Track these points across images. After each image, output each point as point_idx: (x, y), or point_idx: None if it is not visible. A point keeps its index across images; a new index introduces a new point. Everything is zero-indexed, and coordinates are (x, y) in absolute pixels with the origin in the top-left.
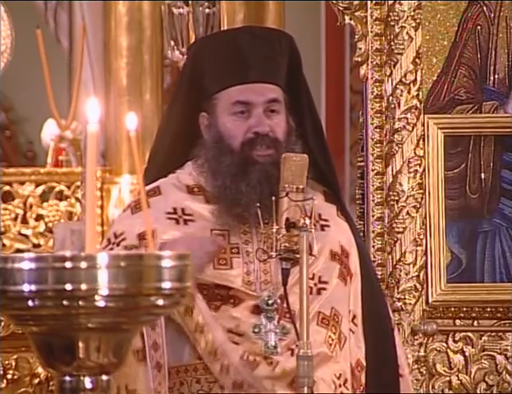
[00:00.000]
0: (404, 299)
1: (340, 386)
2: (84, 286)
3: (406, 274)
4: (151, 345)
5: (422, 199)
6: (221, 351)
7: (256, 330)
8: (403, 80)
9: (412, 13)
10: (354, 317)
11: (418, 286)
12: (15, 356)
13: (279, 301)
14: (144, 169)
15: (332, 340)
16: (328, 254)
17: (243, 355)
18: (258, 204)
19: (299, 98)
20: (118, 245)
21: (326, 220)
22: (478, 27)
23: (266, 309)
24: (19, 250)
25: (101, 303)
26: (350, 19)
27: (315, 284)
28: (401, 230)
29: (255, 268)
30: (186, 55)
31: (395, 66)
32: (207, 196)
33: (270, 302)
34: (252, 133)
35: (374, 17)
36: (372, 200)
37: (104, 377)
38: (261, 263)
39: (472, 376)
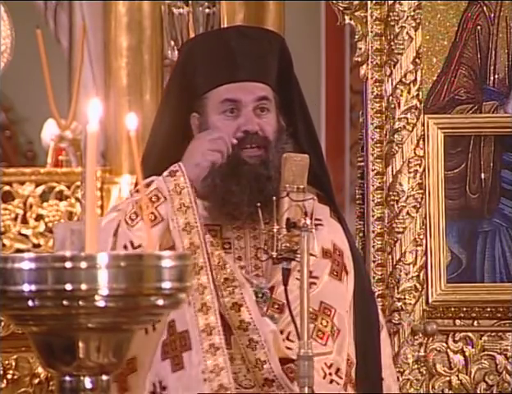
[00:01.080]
0: (404, 299)
1: (330, 374)
2: (84, 286)
3: (406, 274)
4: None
5: (422, 199)
6: None
7: None
8: (403, 80)
9: (412, 13)
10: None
11: (418, 286)
12: (15, 356)
13: (268, 292)
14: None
15: (323, 333)
16: (320, 251)
17: None
18: (259, 204)
19: (290, 98)
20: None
21: (319, 219)
22: (478, 27)
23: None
24: (19, 250)
25: (101, 303)
26: (350, 19)
27: None
28: (401, 230)
29: (247, 262)
30: (177, 55)
31: (395, 66)
32: (198, 193)
33: (259, 294)
34: (241, 132)
35: (374, 17)
36: (372, 200)
37: (104, 377)
38: (252, 259)
39: (472, 376)
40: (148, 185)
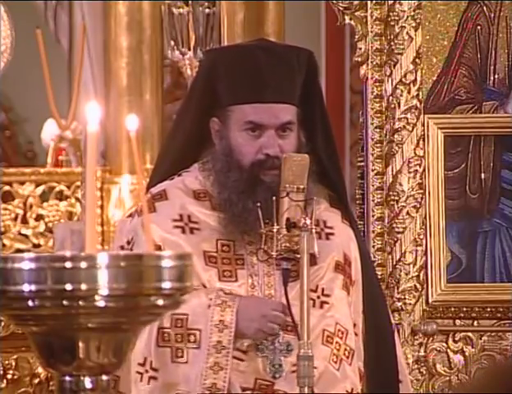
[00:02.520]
0: (404, 299)
1: None
2: (84, 286)
3: (406, 274)
4: None
5: (422, 199)
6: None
7: (261, 347)
8: (403, 80)
9: (412, 13)
10: (354, 325)
11: (418, 286)
12: (15, 356)
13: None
14: (153, 168)
15: (337, 357)
16: (333, 265)
17: (242, 384)
18: (259, 204)
19: (312, 110)
20: (131, 250)
21: (331, 227)
22: (478, 27)
23: None
24: (19, 250)
25: (101, 303)
26: (350, 19)
27: (318, 297)
28: (401, 230)
29: (259, 281)
30: (201, 60)
31: (395, 66)
32: (213, 202)
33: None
34: (263, 154)
35: (374, 17)
36: (372, 200)
37: (104, 377)
38: (265, 276)
39: (472, 376)
40: (158, 196)
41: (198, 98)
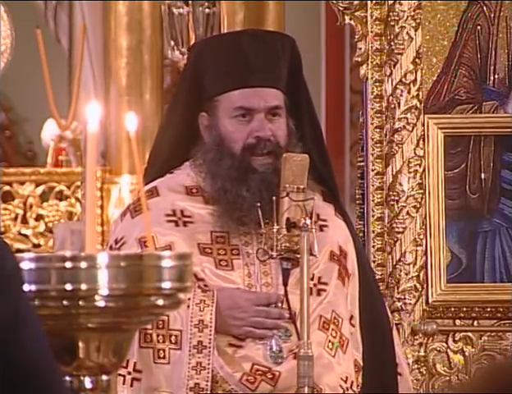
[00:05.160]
0: (404, 299)
1: (347, 389)
2: (84, 286)
3: (406, 274)
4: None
5: (422, 199)
6: (220, 378)
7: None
8: (403, 80)
9: (412, 13)
10: (352, 317)
11: (418, 286)
12: None
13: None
14: (144, 169)
15: (332, 344)
16: (328, 255)
17: (241, 378)
18: (259, 204)
19: (298, 100)
20: (119, 250)
21: (324, 220)
22: (478, 27)
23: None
24: (19, 250)
25: (101, 303)
26: (350, 19)
27: (314, 285)
28: (401, 230)
29: (255, 269)
30: (187, 56)
31: (395, 66)
32: (205, 197)
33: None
34: (253, 137)
35: (374, 17)
36: (372, 200)
37: (104, 377)
38: (261, 264)
39: (472, 376)
40: (149, 193)
41: (185, 94)
